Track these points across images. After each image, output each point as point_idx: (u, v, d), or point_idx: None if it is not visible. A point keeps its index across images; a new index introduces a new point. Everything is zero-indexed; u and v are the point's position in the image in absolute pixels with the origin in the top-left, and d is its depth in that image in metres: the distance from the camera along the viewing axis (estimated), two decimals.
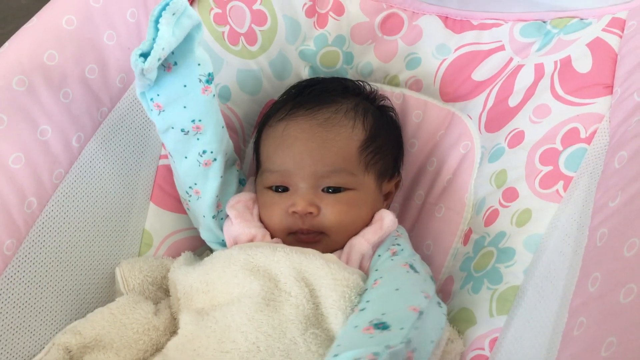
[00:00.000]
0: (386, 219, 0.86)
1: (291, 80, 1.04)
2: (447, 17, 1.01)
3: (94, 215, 0.85)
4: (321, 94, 0.90)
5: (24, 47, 0.78)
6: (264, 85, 1.03)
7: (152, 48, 0.69)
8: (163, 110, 0.78)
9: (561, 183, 0.80)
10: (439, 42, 1.02)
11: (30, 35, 0.79)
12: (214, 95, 0.80)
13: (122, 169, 0.89)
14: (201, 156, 0.83)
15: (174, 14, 0.69)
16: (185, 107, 0.78)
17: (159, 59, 0.70)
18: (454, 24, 1.01)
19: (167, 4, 0.69)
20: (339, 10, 1.03)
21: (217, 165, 0.85)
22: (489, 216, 0.88)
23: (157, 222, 0.93)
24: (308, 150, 0.85)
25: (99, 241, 0.86)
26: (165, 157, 0.95)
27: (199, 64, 0.76)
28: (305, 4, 1.02)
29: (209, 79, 0.78)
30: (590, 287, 0.63)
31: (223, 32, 0.98)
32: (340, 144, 0.84)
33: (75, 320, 0.79)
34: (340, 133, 0.85)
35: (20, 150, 0.75)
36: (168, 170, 0.94)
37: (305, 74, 1.06)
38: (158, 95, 0.77)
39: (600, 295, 0.61)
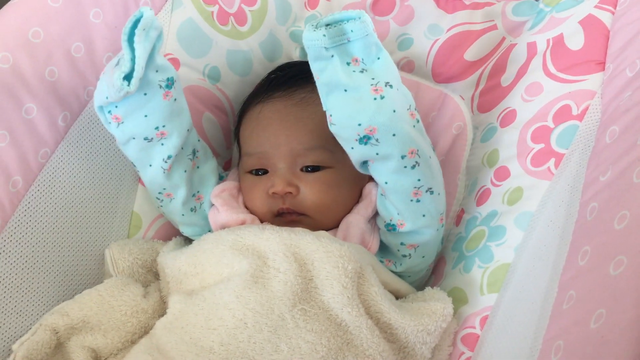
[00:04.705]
0: (373, 190, 0.85)
1: (282, 62, 1.03)
2: None
3: (82, 196, 0.84)
4: (297, 75, 0.89)
5: (8, 24, 0.77)
6: (255, 67, 1.02)
7: (132, 68, 0.69)
8: (122, 122, 0.76)
9: (553, 160, 0.79)
10: (431, 22, 1.00)
11: (15, 12, 0.78)
12: (175, 100, 0.78)
13: (110, 149, 0.88)
14: (166, 162, 0.81)
15: (144, 29, 0.69)
16: (146, 115, 0.76)
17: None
18: (446, 4, 1.00)
19: (138, 21, 0.69)
20: None
21: (180, 164, 0.84)
22: (480, 196, 0.87)
23: (146, 203, 0.93)
24: (283, 129, 0.85)
25: (87, 222, 0.85)
26: None
27: (157, 71, 0.75)
28: None
29: (169, 84, 0.76)
30: (580, 261, 0.62)
31: (212, 12, 0.96)
32: (316, 121, 0.84)
33: (63, 301, 0.78)
34: (316, 112, 0.84)
35: (5, 128, 0.74)
36: None
37: (296, 55, 1.05)
38: (116, 107, 0.75)
39: (590, 268, 0.60)
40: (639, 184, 0.61)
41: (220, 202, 0.87)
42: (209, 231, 0.88)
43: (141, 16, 0.69)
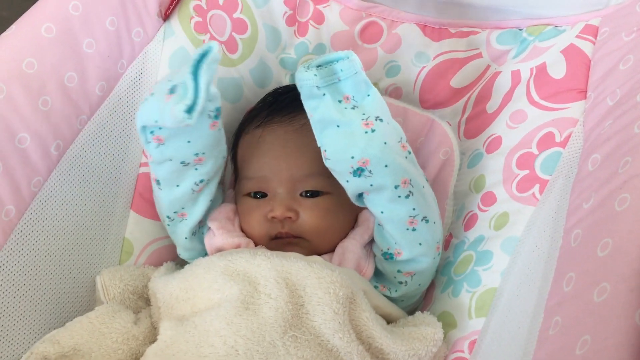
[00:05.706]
0: (371, 218, 0.87)
1: (272, 88, 1.04)
2: (425, 26, 1.03)
3: (74, 223, 0.85)
4: (296, 99, 0.91)
5: (2, 55, 0.77)
6: (245, 93, 1.03)
7: (195, 101, 0.70)
8: (163, 144, 0.77)
9: (537, 186, 0.81)
10: (418, 50, 1.03)
11: (9, 43, 0.79)
12: (220, 129, 0.80)
13: (102, 177, 0.89)
14: (197, 185, 0.83)
15: (209, 63, 0.71)
16: (189, 141, 0.77)
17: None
18: (433, 32, 1.03)
19: (206, 54, 0.70)
20: (319, 18, 1.04)
21: (210, 189, 0.86)
22: (468, 221, 0.89)
23: (138, 230, 0.93)
24: (284, 156, 0.86)
25: (79, 249, 0.86)
26: (146, 164, 0.94)
27: (210, 100, 0.75)
28: (285, 12, 1.03)
29: (217, 114, 0.78)
30: (565, 287, 0.64)
31: (204, 41, 0.98)
32: (316, 148, 0.85)
33: (54, 329, 0.78)
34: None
35: None
36: (148, 178, 0.93)
37: (286, 82, 1.07)
38: (160, 128, 0.76)
39: (575, 294, 0.62)
40: (621, 212, 0.63)
41: (217, 225, 0.88)
42: (205, 255, 0.89)
43: (209, 50, 0.71)
